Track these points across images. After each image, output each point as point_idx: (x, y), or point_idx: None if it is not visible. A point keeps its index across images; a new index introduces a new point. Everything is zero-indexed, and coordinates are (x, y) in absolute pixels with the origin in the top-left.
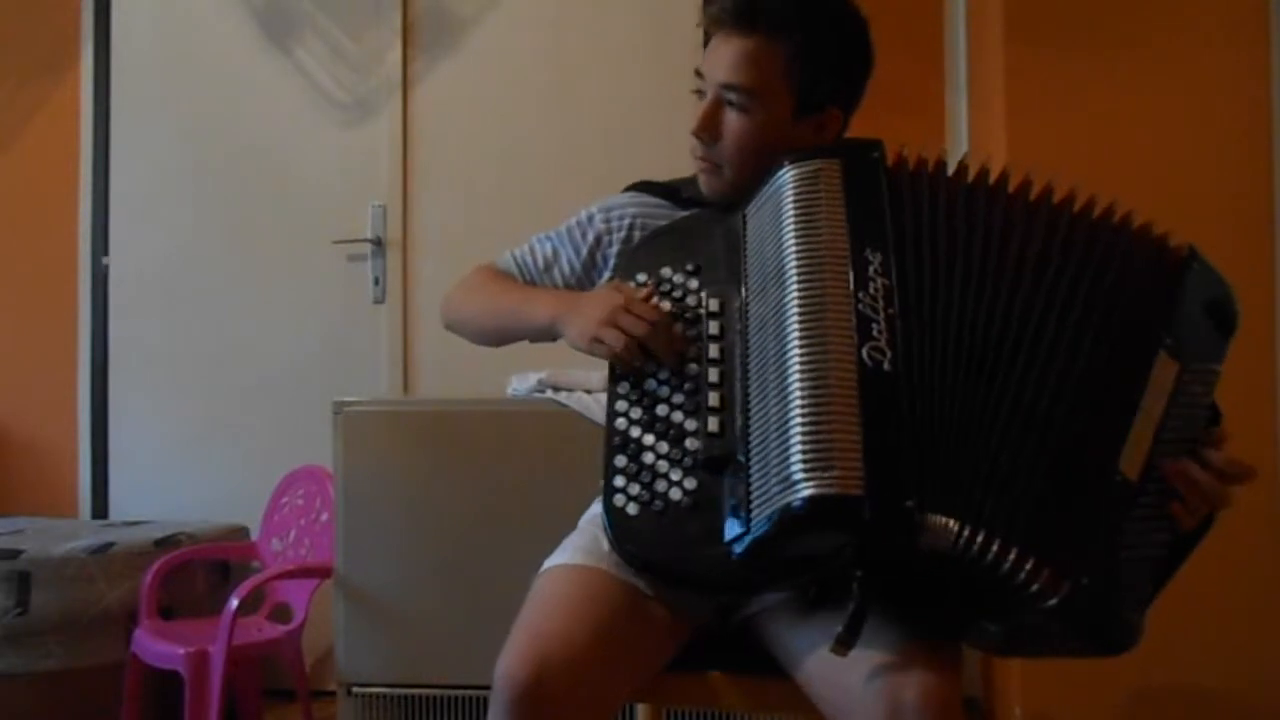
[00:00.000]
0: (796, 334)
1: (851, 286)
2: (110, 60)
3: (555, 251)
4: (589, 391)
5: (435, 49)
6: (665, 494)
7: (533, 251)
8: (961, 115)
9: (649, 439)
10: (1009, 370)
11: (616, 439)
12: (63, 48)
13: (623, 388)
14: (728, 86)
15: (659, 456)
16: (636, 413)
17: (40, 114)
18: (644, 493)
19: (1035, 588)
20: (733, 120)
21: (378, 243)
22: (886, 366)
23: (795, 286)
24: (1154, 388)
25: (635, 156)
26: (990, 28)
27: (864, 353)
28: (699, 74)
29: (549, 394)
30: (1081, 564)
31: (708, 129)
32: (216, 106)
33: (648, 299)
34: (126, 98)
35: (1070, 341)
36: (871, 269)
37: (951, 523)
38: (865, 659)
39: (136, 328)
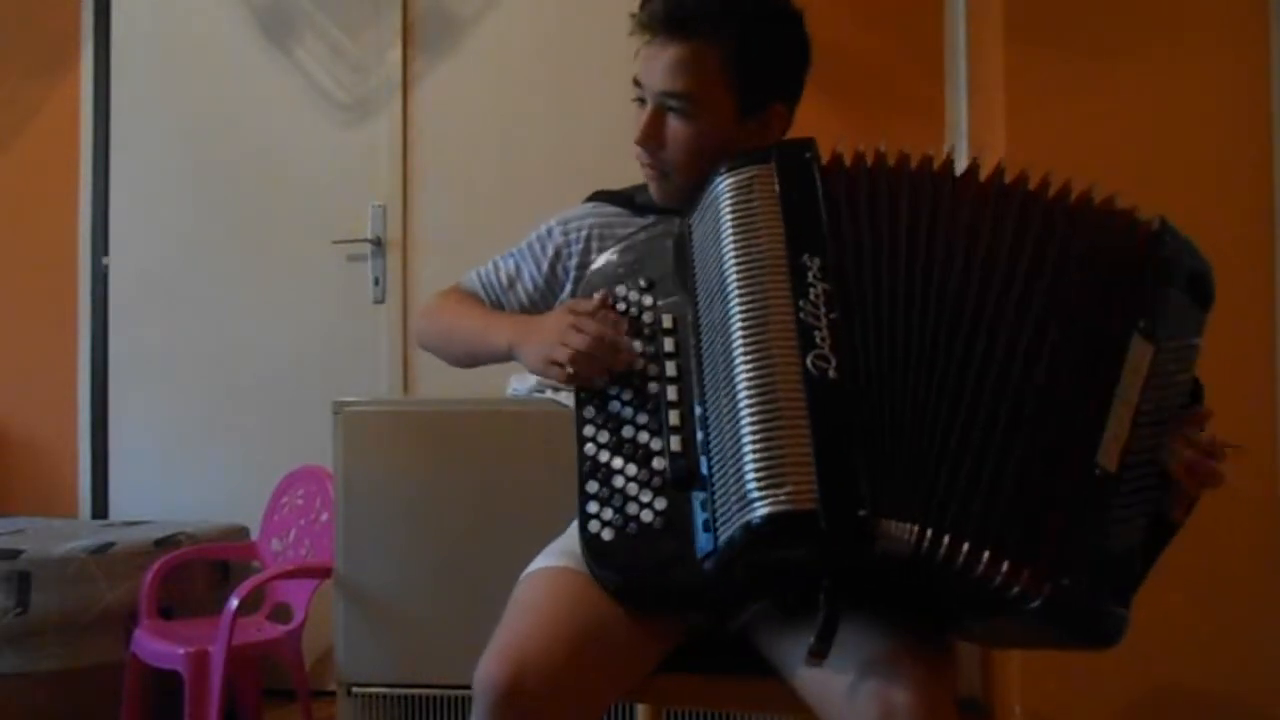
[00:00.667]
0: (741, 348)
1: (791, 294)
2: (110, 60)
3: (518, 268)
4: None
5: (435, 49)
6: (637, 516)
7: (496, 269)
8: (961, 115)
9: (618, 462)
10: (963, 367)
11: (587, 465)
12: (63, 47)
13: (589, 412)
14: (667, 94)
15: (628, 479)
16: (604, 436)
17: (40, 114)
18: (617, 516)
19: (1015, 590)
20: (675, 126)
21: (378, 243)
22: (832, 374)
23: (736, 299)
24: (1129, 373)
25: (635, 156)
26: (990, 28)
27: (809, 362)
28: (637, 83)
29: (549, 394)
30: (1062, 563)
31: (652, 137)
32: (216, 106)
33: (595, 313)
34: (126, 98)
35: (1033, 332)
36: (810, 275)
37: (909, 527)
38: (856, 662)
39: (136, 327)
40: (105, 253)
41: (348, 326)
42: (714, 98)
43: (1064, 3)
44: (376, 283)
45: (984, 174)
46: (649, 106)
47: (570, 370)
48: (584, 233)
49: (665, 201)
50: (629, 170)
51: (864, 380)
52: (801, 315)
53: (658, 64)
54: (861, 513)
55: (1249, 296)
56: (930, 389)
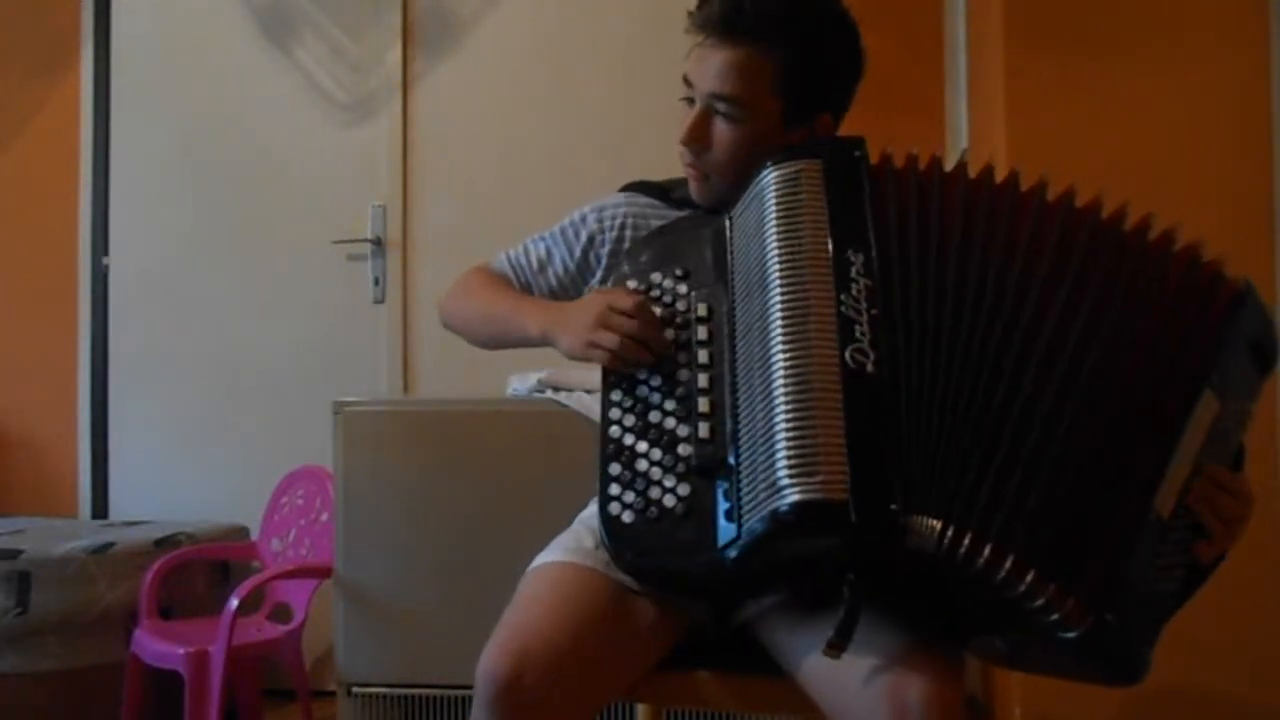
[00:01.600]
0: (780, 338)
1: (834, 288)
2: (110, 60)
3: (549, 252)
4: (589, 391)
5: (435, 49)
6: (659, 501)
7: (527, 253)
8: (961, 115)
9: (642, 446)
10: (1014, 381)
11: (610, 447)
12: (63, 47)
13: (616, 395)
14: (716, 96)
15: (652, 463)
16: (630, 420)
17: (40, 113)
18: (639, 500)
19: (1057, 616)
20: (722, 129)
21: (378, 243)
22: (870, 368)
23: (778, 290)
24: (1193, 425)
25: (635, 156)
26: (990, 28)
27: (847, 355)
28: (687, 81)
29: (549, 394)
30: (1108, 599)
31: (697, 138)
32: (216, 106)
33: (633, 305)
34: (126, 97)
35: (1102, 358)
36: (854, 270)
37: (935, 524)
38: (868, 659)
39: (136, 327)
40: (105, 253)
41: (348, 326)
42: (762, 104)
43: (1064, 3)
44: (376, 283)
45: (1050, 192)
46: (697, 106)
47: (614, 349)
48: (618, 221)
49: (704, 201)
50: (629, 170)
51: (903, 377)
52: (843, 309)
53: (710, 65)
54: (893, 507)
55: None
56: (976, 393)
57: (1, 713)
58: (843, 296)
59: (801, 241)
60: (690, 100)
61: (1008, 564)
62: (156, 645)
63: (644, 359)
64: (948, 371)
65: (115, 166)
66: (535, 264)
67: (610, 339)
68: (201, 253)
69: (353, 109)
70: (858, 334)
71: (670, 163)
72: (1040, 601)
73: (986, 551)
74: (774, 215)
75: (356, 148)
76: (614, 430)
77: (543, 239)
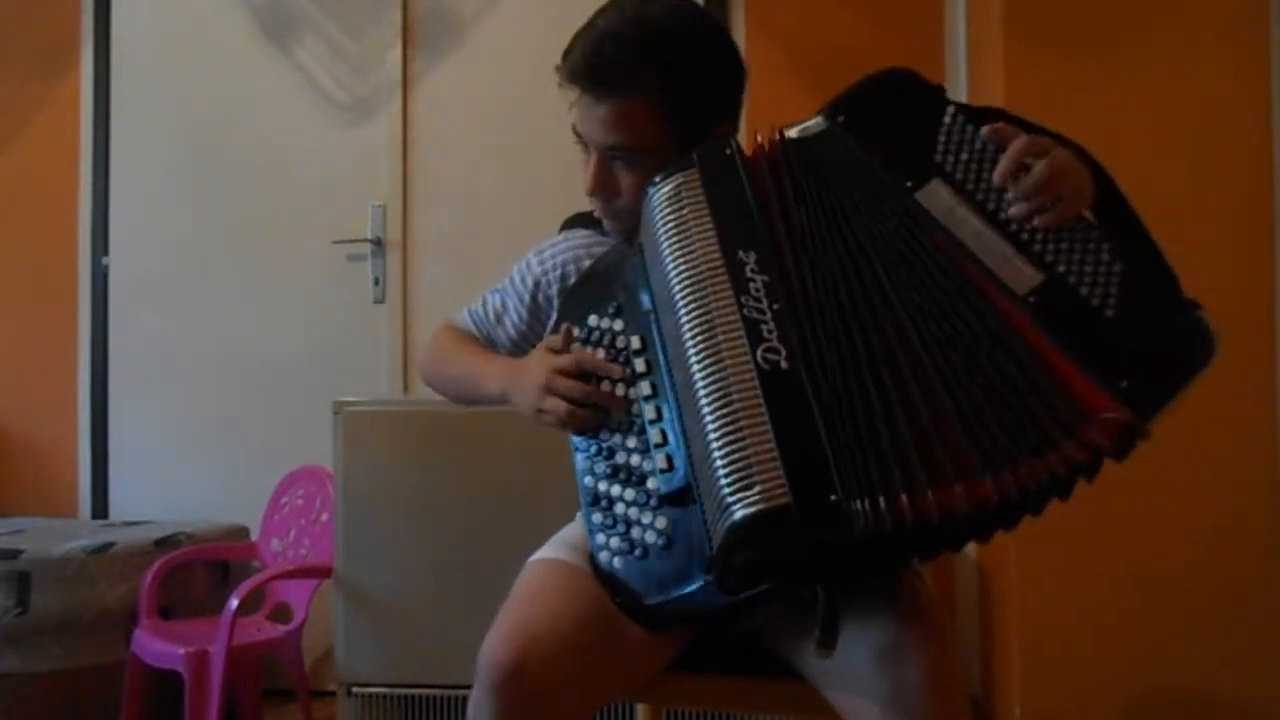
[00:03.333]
0: (693, 355)
1: (733, 293)
2: (110, 60)
3: (504, 303)
4: None
5: (435, 49)
6: (641, 539)
7: (485, 305)
8: None
9: (616, 489)
10: (866, 328)
11: (588, 496)
12: (63, 47)
13: (581, 444)
14: (610, 148)
15: (628, 504)
16: (600, 467)
17: (40, 114)
18: (623, 543)
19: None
20: (625, 175)
21: (378, 243)
22: (783, 364)
23: (682, 307)
24: (949, 217)
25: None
26: (990, 28)
27: (759, 356)
28: (576, 132)
29: None
30: (1111, 369)
31: (603, 187)
32: (216, 106)
33: (567, 347)
34: (126, 98)
35: (885, 262)
36: (748, 269)
37: (865, 503)
38: (864, 648)
39: (136, 328)
40: (105, 253)
41: (348, 326)
42: (654, 141)
43: (1064, 3)
44: (376, 283)
45: None
46: (594, 155)
47: (562, 417)
48: (559, 259)
49: (621, 236)
50: None
51: (817, 364)
52: (746, 311)
53: (594, 121)
54: (833, 498)
55: (1249, 296)
56: (863, 360)
57: (1, 713)
58: (743, 299)
59: (694, 253)
60: (584, 146)
61: (959, 492)
62: (156, 645)
63: (590, 423)
64: (840, 345)
65: (115, 166)
66: (493, 316)
67: (556, 405)
68: (201, 253)
69: (353, 109)
70: (765, 333)
71: None
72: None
73: (907, 503)
74: (664, 234)
75: (356, 148)
76: (588, 480)
77: (497, 290)
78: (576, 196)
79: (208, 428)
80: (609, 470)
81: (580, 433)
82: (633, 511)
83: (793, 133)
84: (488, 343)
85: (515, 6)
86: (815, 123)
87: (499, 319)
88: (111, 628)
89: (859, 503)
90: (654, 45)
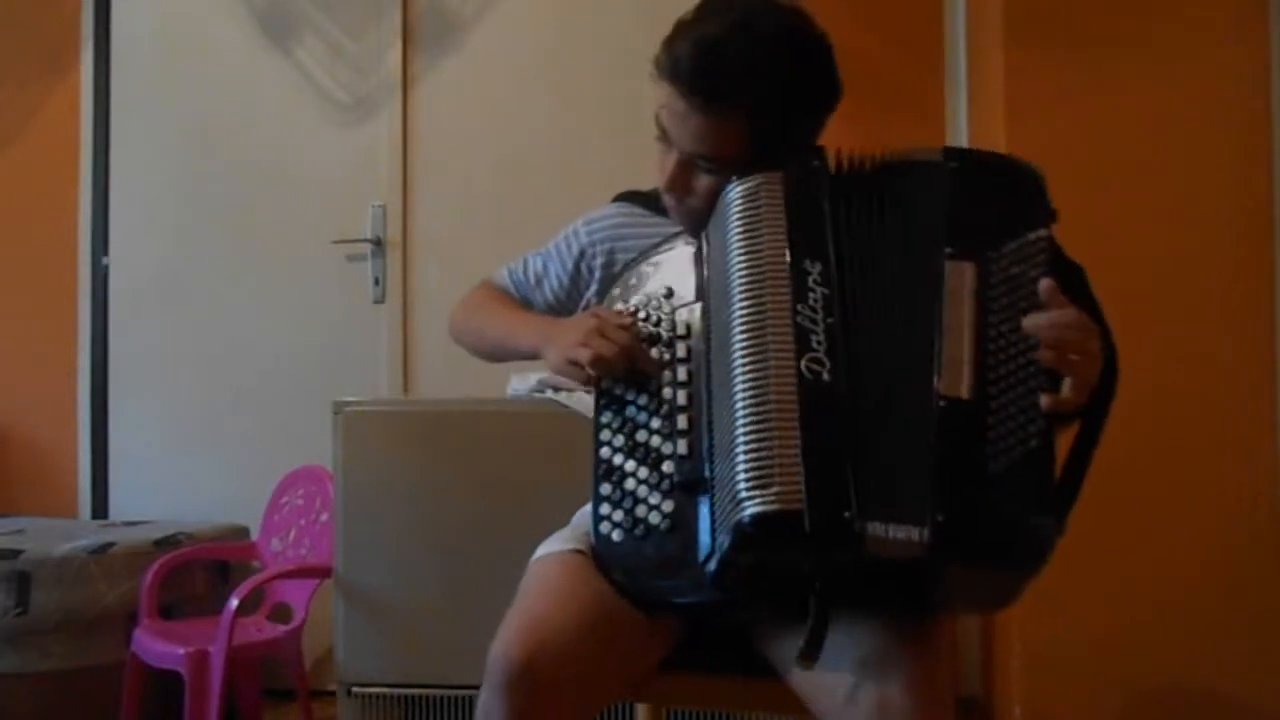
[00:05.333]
0: (739, 350)
1: (791, 299)
2: (110, 60)
3: (545, 266)
4: (589, 391)
5: (435, 49)
6: (645, 519)
7: (525, 267)
8: (961, 115)
9: (630, 465)
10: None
11: (601, 467)
12: (63, 48)
13: (606, 416)
14: (695, 155)
15: (639, 482)
16: (619, 440)
17: (40, 114)
18: (626, 519)
19: (914, 549)
20: (703, 180)
21: (378, 243)
22: (826, 377)
23: (738, 303)
24: (953, 299)
25: (635, 157)
26: (990, 28)
27: (803, 365)
28: (660, 124)
29: (549, 394)
30: (932, 505)
31: (679, 187)
32: (216, 106)
33: (623, 323)
34: (126, 98)
35: (899, 305)
36: (811, 279)
37: (892, 529)
38: (850, 661)
39: (136, 327)
40: (105, 253)
41: (348, 326)
42: (739, 153)
43: (1064, 3)
44: (376, 283)
45: None
46: (675, 155)
47: (590, 371)
48: (608, 233)
49: (686, 227)
50: (629, 170)
51: (858, 384)
52: (799, 319)
53: (684, 127)
54: (846, 514)
55: (1249, 295)
56: (900, 387)
57: (1, 713)
58: (799, 306)
59: (761, 254)
60: (664, 139)
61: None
62: (156, 645)
63: (616, 386)
64: (893, 369)
65: (115, 166)
66: (532, 278)
67: (585, 355)
68: (201, 253)
69: (353, 109)
70: (814, 344)
71: None
72: (897, 545)
73: (889, 531)
74: (735, 229)
75: (356, 148)
76: (604, 451)
77: (539, 254)
78: (576, 196)
79: (208, 428)
80: (627, 445)
81: (605, 396)
82: (642, 490)
83: (899, 153)
84: (523, 304)
85: (515, 6)
86: (928, 150)
87: (538, 282)
88: (111, 628)
89: (872, 525)
90: (760, 63)
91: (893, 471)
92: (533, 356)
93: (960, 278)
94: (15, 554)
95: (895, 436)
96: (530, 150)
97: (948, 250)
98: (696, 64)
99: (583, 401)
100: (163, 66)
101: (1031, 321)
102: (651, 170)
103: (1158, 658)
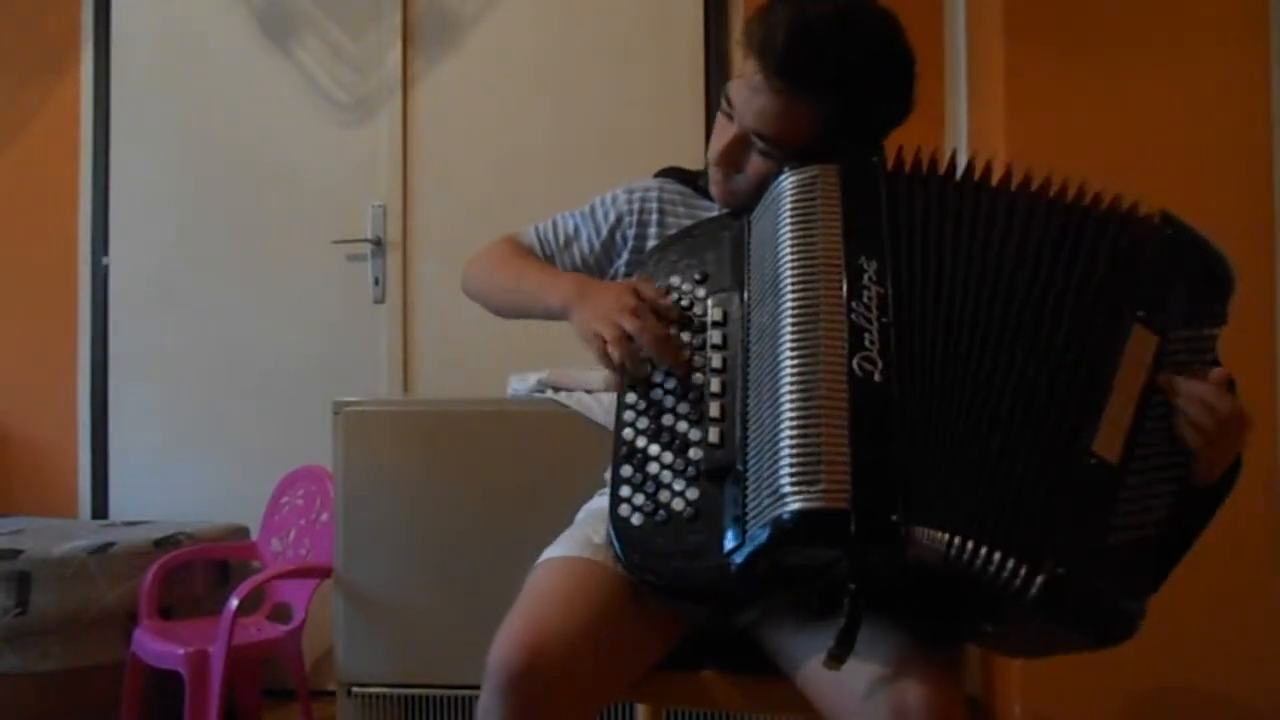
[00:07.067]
0: (789, 345)
1: (845, 295)
2: (110, 60)
3: (577, 229)
4: (589, 392)
5: (435, 49)
6: (668, 504)
7: (555, 227)
8: (961, 115)
9: (654, 449)
10: (978, 369)
11: (623, 449)
12: (63, 48)
13: (630, 398)
14: (757, 133)
15: (663, 467)
16: (643, 423)
17: (40, 114)
18: (648, 503)
19: (1015, 584)
20: (756, 161)
21: (378, 243)
22: (878, 377)
23: (789, 296)
24: (1130, 363)
25: (635, 156)
26: (990, 28)
27: (855, 363)
28: (728, 99)
29: (549, 394)
30: (1055, 553)
31: (731, 162)
32: (216, 106)
33: (663, 305)
34: (126, 98)
35: (1035, 332)
36: (866, 277)
37: (941, 535)
38: (867, 665)
39: (136, 327)
40: (105, 253)
41: (348, 326)
42: (802, 140)
43: (1064, 3)
44: (376, 283)
45: (1021, 180)
46: (735, 130)
47: (611, 352)
48: (648, 204)
49: (725, 205)
50: (629, 170)
51: (910, 386)
52: (853, 316)
53: (756, 103)
54: (894, 518)
55: (1249, 295)
56: (961, 395)
57: (1, 713)
58: (854, 304)
59: (815, 247)
60: (728, 115)
61: (982, 552)
62: (156, 645)
63: (639, 369)
64: (947, 375)
65: (115, 166)
66: (562, 239)
67: (611, 332)
68: (201, 253)
69: (353, 109)
70: (867, 342)
71: (668, 160)
72: (991, 572)
73: (969, 547)
74: (789, 220)
75: (356, 148)
76: (627, 432)
77: (572, 215)
78: (576, 196)
79: (208, 428)
80: (653, 428)
81: (638, 380)
82: (666, 475)
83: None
84: (548, 264)
85: (515, 6)
86: (1133, 204)
87: (567, 244)
88: (111, 628)
89: (920, 531)
90: (852, 58)
91: (975, 487)
92: (554, 316)
93: (1143, 346)
94: (15, 554)
95: (974, 452)
96: (530, 150)
97: (1139, 313)
98: (789, 44)
99: (582, 401)
100: (163, 66)
101: (1206, 403)
102: (651, 170)
103: (1158, 658)
